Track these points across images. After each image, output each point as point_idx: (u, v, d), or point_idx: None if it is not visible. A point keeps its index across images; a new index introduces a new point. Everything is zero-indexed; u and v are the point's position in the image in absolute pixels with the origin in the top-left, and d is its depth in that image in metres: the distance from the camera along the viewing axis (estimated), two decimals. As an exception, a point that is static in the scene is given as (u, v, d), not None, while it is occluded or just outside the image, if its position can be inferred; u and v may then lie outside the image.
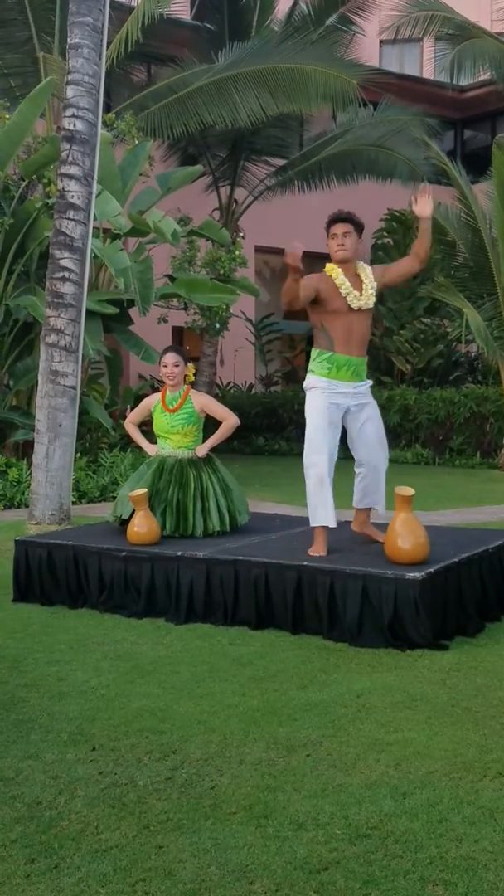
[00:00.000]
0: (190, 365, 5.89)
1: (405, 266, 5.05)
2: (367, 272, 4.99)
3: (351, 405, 5.01)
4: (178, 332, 17.09)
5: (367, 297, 4.93)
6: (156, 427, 5.81)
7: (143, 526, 5.31)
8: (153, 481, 5.60)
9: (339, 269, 4.93)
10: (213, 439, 5.71)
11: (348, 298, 4.89)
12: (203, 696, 3.75)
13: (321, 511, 4.98)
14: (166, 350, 5.89)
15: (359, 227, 4.96)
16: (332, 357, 4.95)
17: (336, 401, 4.95)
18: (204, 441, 5.78)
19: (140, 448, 5.89)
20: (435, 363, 16.29)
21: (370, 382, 5.16)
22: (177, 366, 5.74)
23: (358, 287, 4.93)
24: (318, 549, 4.94)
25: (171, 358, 5.76)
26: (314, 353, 5.04)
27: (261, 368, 18.80)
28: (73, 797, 2.86)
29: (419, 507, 8.98)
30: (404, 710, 3.56)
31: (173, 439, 5.72)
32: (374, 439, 5.09)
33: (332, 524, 4.99)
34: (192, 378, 5.94)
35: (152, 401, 5.87)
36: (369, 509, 5.30)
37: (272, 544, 5.34)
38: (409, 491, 4.75)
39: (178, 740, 3.30)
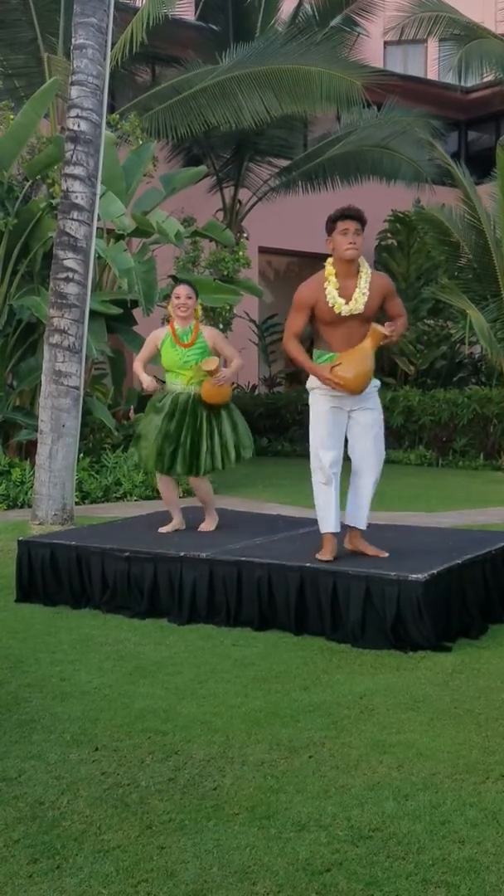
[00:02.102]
0: (200, 302, 5.84)
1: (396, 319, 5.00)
2: (364, 277, 4.82)
3: (352, 408, 4.93)
4: (181, 333, 17.06)
5: (353, 305, 4.78)
6: (166, 362, 5.71)
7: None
8: (166, 424, 5.62)
9: (335, 275, 4.81)
10: (230, 375, 5.67)
11: (335, 307, 4.79)
12: (205, 697, 3.75)
13: (325, 517, 4.93)
14: (179, 283, 5.83)
15: (365, 225, 4.85)
16: (332, 358, 4.87)
17: (337, 403, 4.89)
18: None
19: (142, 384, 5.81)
20: (438, 364, 16.28)
21: (377, 384, 5.04)
22: (189, 298, 5.67)
23: (349, 293, 4.80)
24: (324, 554, 4.89)
25: (183, 290, 5.70)
26: (315, 353, 4.97)
27: (264, 369, 18.79)
28: (75, 797, 2.86)
29: (423, 508, 9.00)
30: (407, 712, 3.55)
31: (185, 374, 5.67)
32: (368, 448, 4.97)
33: (335, 530, 4.92)
34: (201, 316, 5.91)
35: (160, 335, 5.75)
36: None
37: (275, 545, 5.34)
38: (380, 329, 4.77)
39: (180, 741, 3.30)
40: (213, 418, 5.69)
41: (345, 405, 4.92)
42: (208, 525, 5.90)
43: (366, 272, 4.86)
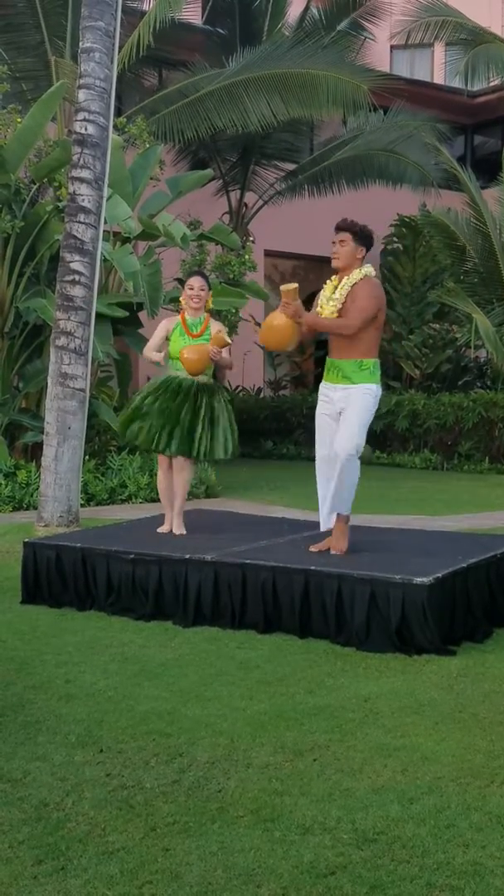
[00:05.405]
0: (211, 293, 5.88)
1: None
2: (344, 286, 4.98)
3: (338, 408, 5.07)
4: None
5: (324, 311, 5.02)
6: (173, 350, 5.75)
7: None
8: (166, 403, 5.64)
9: (334, 282, 5.09)
10: (226, 359, 5.70)
11: (319, 311, 5.08)
12: (210, 700, 3.75)
13: (320, 515, 5.30)
14: (192, 273, 5.92)
15: (358, 236, 5.02)
16: (326, 361, 5.19)
17: (326, 410, 5.14)
18: (214, 372, 5.85)
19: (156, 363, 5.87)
20: (444, 368, 16.26)
21: (364, 385, 4.99)
22: (203, 289, 5.74)
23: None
24: (317, 545, 5.19)
25: (197, 281, 5.77)
26: None
27: (269, 373, 18.80)
28: (80, 799, 2.87)
29: (428, 511, 9.00)
30: (412, 716, 3.55)
31: None
32: (337, 435, 5.04)
33: (322, 528, 5.27)
34: (211, 306, 5.95)
35: (171, 324, 5.79)
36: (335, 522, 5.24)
37: (280, 548, 5.35)
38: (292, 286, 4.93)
39: (185, 743, 3.30)
40: (214, 407, 5.70)
41: (332, 406, 5.10)
42: (172, 526, 5.78)
43: (349, 281, 5.01)
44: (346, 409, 5.03)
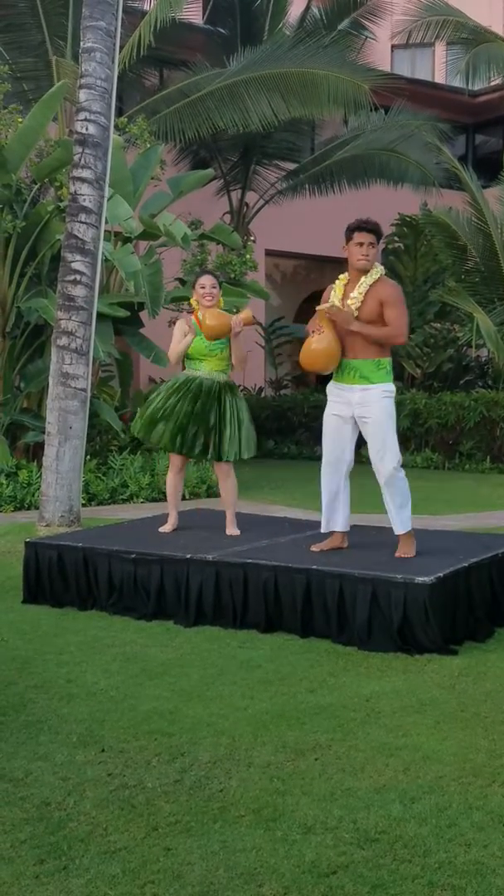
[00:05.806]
0: (221, 291, 5.88)
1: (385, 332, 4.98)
2: (364, 283, 4.93)
3: (357, 413, 5.00)
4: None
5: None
6: (192, 350, 5.76)
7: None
8: (190, 406, 5.62)
9: (343, 280, 5.03)
10: (240, 349, 5.73)
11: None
12: (212, 699, 3.75)
13: (322, 517, 5.25)
14: (202, 273, 5.89)
15: (380, 238, 5.03)
16: (341, 362, 5.03)
17: (339, 410, 5.06)
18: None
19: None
20: (445, 367, 16.26)
21: (383, 386, 5.01)
22: (214, 287, 5.73)
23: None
24: (319, 545, 5.19)
25: (208, 280, 5.75)
26: None
27: (270, 372, 18.80)
28: (82, 798, 2.87)
29: (429, 511, 8.99)
30: (413, 715, 3.55)
31: (209, 362, 5.71)
32: (372, 453, 5.00)
33: (323, 529, 5.24)
34: (222, 304, 5.95)
35: (186, 325, 5.79)
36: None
37: (281, 548, 5.35)
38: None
39: (186, 743, 3.30)
40: (236, 406, 5.72)
41: (347, 409, 5.04)
42: (232, 529, 5.80)
43: (368, 279, 4.95)
44: (368, 418, 4.95)
